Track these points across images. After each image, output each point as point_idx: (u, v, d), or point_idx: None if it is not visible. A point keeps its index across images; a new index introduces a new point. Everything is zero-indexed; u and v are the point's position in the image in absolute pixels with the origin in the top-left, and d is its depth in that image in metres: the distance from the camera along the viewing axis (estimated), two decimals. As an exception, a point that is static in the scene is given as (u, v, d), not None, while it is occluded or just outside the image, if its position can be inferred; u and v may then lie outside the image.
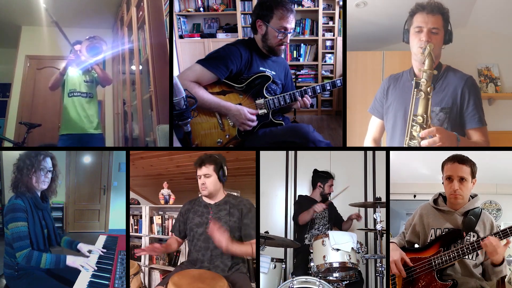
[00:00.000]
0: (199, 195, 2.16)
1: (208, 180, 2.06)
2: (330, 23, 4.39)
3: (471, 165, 2.04)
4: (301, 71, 4.51)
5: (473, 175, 2.04)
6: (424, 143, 2.03)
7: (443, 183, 2.11)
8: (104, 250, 2.27)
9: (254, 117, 2.36)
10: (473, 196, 2.08)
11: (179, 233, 2.19)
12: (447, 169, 2.07)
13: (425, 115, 2.07)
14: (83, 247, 2.23)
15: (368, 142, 2.51)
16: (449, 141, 2.00)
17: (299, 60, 4.49)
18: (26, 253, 1.91)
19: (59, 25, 3.16)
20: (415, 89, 2.09)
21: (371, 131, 2.50)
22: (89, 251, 2.21)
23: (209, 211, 2.08)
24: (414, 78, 2.10)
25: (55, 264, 1.95)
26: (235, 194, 2.22)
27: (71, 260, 1.98)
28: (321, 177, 2.87)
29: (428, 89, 2.06)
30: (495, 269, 1.92)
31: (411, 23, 2.18)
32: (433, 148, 1.99)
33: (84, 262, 1.99)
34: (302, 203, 2.84)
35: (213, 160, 2.08)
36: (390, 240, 2.17)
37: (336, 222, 2.83)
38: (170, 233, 2.25)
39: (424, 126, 2.06)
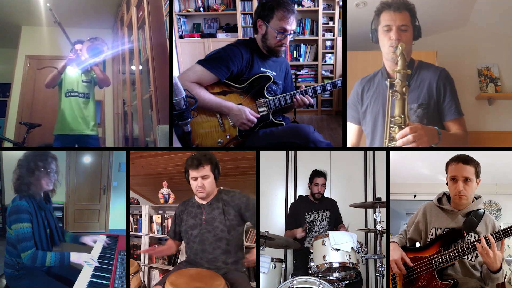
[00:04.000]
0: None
1: (206, 182, 1.98)
2: (330, 23, 4.39)
3: (476, 165, 2.01)
4: (301, 71, 4.51)
5: (477, 175, 2.01)
6: (399, 143, 2.01)
7: (447, 183, 2.08)
8: (110, 242, 2.34)
9: (255, 119, 2.35)
10: (477, 198, 2.06)
11: (175, 235, 2.15)
12: (451, 169, 2.04)
13: (402, 116, 2.04)
14: (87, 238, 2.28)
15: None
16: (430, 136, 1.98)
17: (299, 60, 4.49)
18: (31, 253, 1.90)
19: (62, 25, 3.15)
20: (390, 90, 2.06)
21: (348, 138, 2.49)
22: (94, 241, 2.28)
23: (202, 212, 2.04)
24: (388, 80, 2.07)
25: (59, 261, 1.94)
26: (227, 188, 2.14)
27: (76, 257, 1.98)
28: (311, 175, 2.82)
29: (404, 89, 2.03)
30: (491, 275, 1.86)
31: (378, 22, 2.17)
32: (434, 148, 1.99)
33: (88, 258, 1.99)
34: (297, 206, 2.82)
35: (209, 159, 1.98)
36: (391, 240, 2.17)
37: (336, 223, 2.81)
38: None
39: (403, 126, 2.03)
